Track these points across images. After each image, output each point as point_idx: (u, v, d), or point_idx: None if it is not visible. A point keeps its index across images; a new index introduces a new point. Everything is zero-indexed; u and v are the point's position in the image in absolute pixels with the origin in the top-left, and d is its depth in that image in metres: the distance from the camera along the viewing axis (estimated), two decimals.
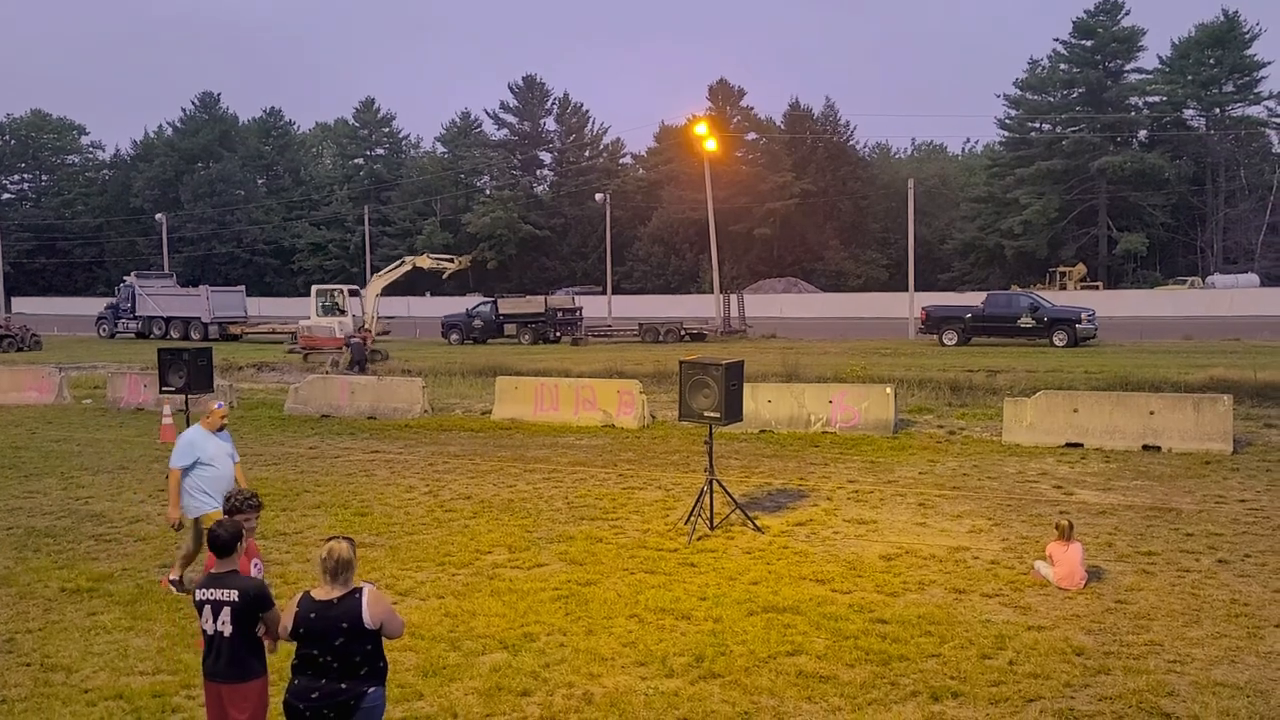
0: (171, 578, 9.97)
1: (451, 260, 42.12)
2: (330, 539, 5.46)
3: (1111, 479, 14.61)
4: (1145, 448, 16.58)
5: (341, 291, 43.19)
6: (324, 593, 5.22)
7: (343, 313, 41.14)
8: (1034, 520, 12.23)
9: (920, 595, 9.51)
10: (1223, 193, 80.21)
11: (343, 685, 5.15)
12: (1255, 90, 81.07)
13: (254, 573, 6.22)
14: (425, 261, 41.49)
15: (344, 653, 5.15)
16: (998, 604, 9.23)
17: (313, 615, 5.17)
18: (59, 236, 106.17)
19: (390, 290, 42.34)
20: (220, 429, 9.88)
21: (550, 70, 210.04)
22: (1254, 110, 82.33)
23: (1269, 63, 79.68)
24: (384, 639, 5.34)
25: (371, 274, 56.22)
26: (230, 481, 9.68)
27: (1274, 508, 12.68)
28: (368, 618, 5.16)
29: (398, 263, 41.28)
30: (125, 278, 60.76)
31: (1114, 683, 7.44)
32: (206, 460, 9.62)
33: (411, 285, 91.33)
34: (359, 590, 5.24)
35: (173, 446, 9.97)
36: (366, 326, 38.43)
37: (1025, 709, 7.04)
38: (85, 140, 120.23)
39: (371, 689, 5.21)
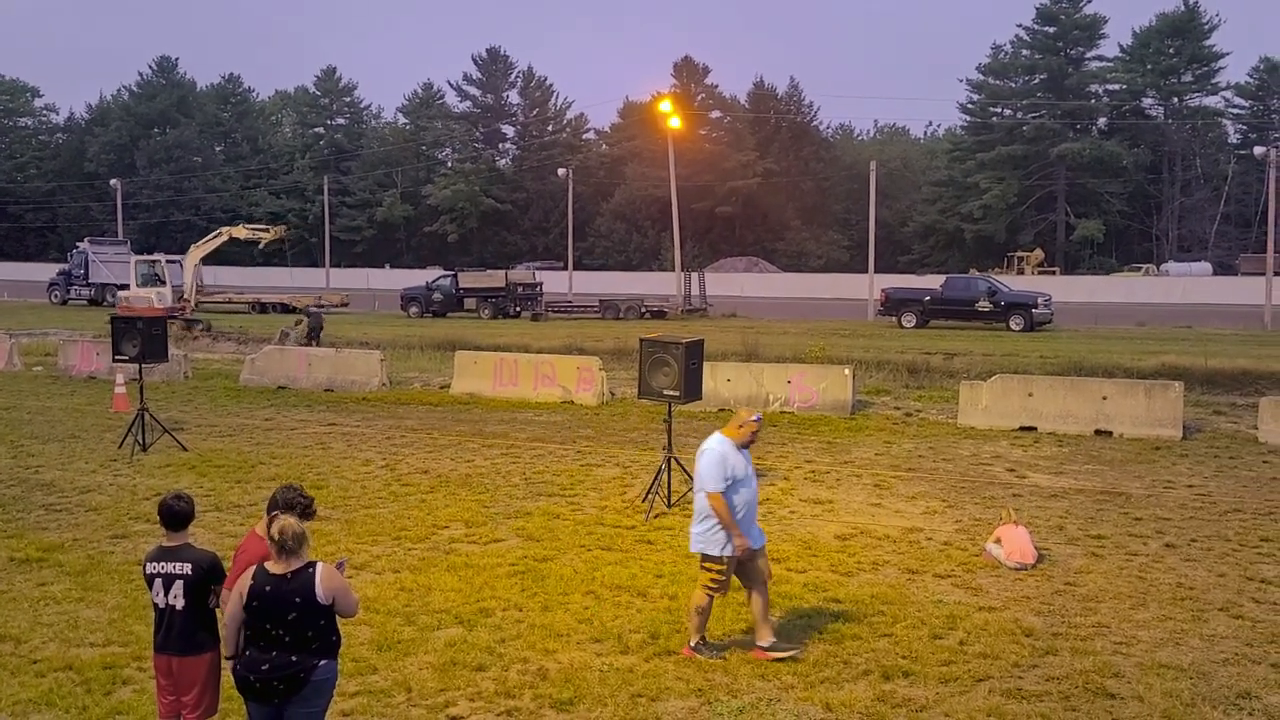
0: (691, 644, 7.77)
1: (266, 230, 43.06)
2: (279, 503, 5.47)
3: (1063, 463, 14.81)
4: (1097, 432, 16.82)
5: (160, 261, 43.34)
6: (278, 566, 5.19)
7: (162, 282, 41.20)
8: (987, 502, 12.38)
9: (874, 575, 9.61)
10: (1179, 181, 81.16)
11: (293, 658, 5.15)
12: (1213, 81, 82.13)
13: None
14: (241, 232, 42.11)
15: (296, 626, 5.14)
16: (950, 585, 9.36)
17: (267, 588, 5.15)
18: (10, 200, 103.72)
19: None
20: (748, 443, 7.99)
21: (514, 43, 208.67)
22: (1211, 100, 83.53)
23: (1227, 54, 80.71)
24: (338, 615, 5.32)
25: (330, 244, 55.86)
26: (756, 508, 7.91)
27: (1221, 493, 12.93)
28: (321, 593, 5.15)
29: (215, 233, 42.06)
30: (78, 244, 59.68)
31: (1061, 663, 7.57)
32: (740, 479, 7.72)
33: (372, 257, 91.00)
34: (312, 565, 5.22)
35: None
36: (185, 296, 38.88)
37: (974, 689, 7.15)
38: (39, 103, 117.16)
39: (322, 662, 5.22)
